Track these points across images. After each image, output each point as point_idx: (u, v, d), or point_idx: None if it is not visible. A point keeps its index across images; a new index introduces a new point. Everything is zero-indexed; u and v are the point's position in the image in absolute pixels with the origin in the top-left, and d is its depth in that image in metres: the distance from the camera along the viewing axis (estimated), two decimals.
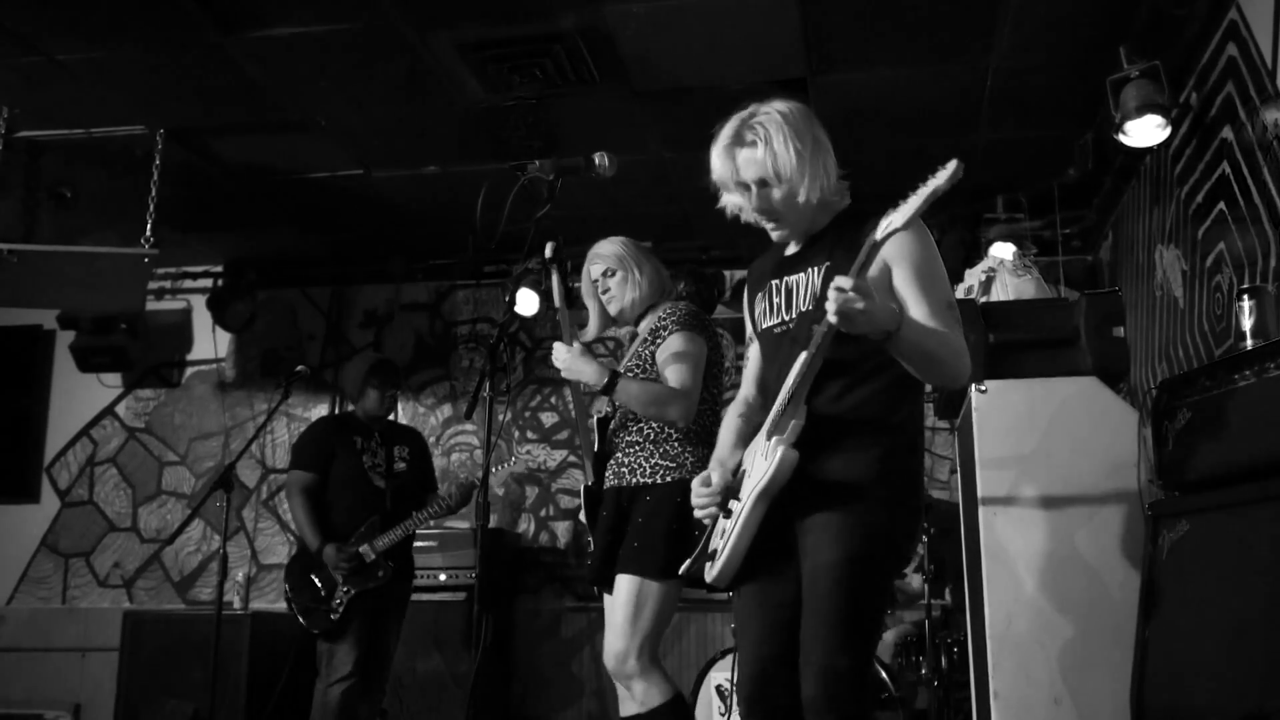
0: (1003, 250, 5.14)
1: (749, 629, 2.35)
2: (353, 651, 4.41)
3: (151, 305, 6.48)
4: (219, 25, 4.13)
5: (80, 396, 6.91)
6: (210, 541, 6.57)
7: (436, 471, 6.29)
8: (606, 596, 3.26)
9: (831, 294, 2.04)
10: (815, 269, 2.35)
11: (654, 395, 3.15)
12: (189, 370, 6.93)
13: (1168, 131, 4.03)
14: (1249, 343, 2.92)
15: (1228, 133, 3.74)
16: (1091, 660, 3.22)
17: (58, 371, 6.95)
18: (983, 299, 4.16)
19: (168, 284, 6.90)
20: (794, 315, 2.38)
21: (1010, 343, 3.56)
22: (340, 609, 4.45)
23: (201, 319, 6.82)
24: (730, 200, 2.45)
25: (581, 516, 3.40)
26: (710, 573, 2.36)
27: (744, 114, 2.38)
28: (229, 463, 4.87)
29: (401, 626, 4.69)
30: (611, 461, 3.29)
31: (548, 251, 3.19)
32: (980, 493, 3.43)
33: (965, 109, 4.80)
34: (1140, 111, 3.93)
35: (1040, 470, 3.38)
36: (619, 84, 4.57)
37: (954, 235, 5.45)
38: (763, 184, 2.33)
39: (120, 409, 6.93)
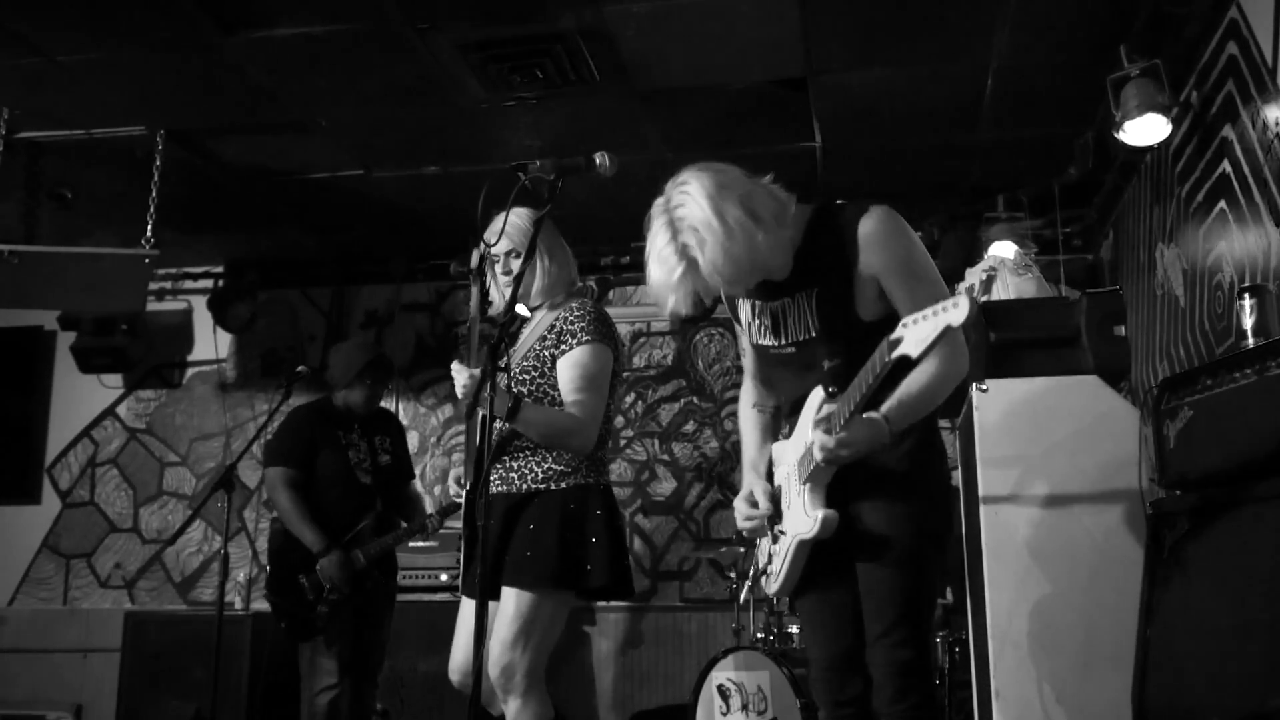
0: (1003, 249, 5.14)
1: (817, 633, 2.46)
2: (337, 658, 4.33)
3: (152, 306, 6.48)
4: (219, 26, 4.13)
5: (81, 397, 6.91)
6: (211, 542, 6.57)
7: (437, 472, 6.30)
8: (466, 602, 3.07)
9: (817, 444, 2.15)
10: (804, 295, 2.36)
11: (558, 428, 2.99)
12: (190, 371, 6.93)
13: (1168, 130, 4.03)
14: (1250, 341, 2.92)
15: (1228, 131, 3.74)
16: (1093, 659, 3.22)
17: (58, 372, 6.95)
18: (983, 298, 4.15)
19: (168, 285, 6.90)
20: (784, 342, 2.41)
21: (1011, 342, 3.56)
22: (325, 615, 4.36)
23: (202, 320, 6.82)
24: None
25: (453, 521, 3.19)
26: (769, 588, 2.48)
27: (667, 239, 2.25)
28: (230, 463, 4.85)
29: (390, 624, 4.61)
30: (499, 466, 3.09)
31: (474, 260, 2.99)
32: (981, 491, 3.43)
33: (965, 108, 4.80)
34: (1140, 110, 3.93)
35: (1041, 469, 3.38)
36: (619, 84, 4.57)
37: (954, 235, 5.44)
38: (731, 284, 2.28)
39: (121, 410, 6.93)
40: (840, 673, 2.39)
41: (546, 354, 3.09)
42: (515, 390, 3.01)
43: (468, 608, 3.08)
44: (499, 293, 3.20)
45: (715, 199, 2.21)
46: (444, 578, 5.62)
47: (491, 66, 4.42)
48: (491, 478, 3.09)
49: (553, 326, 3.11)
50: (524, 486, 3.05)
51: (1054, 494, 3.36)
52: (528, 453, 3.07)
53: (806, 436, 2.29)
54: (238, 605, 6.17)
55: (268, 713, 5.10)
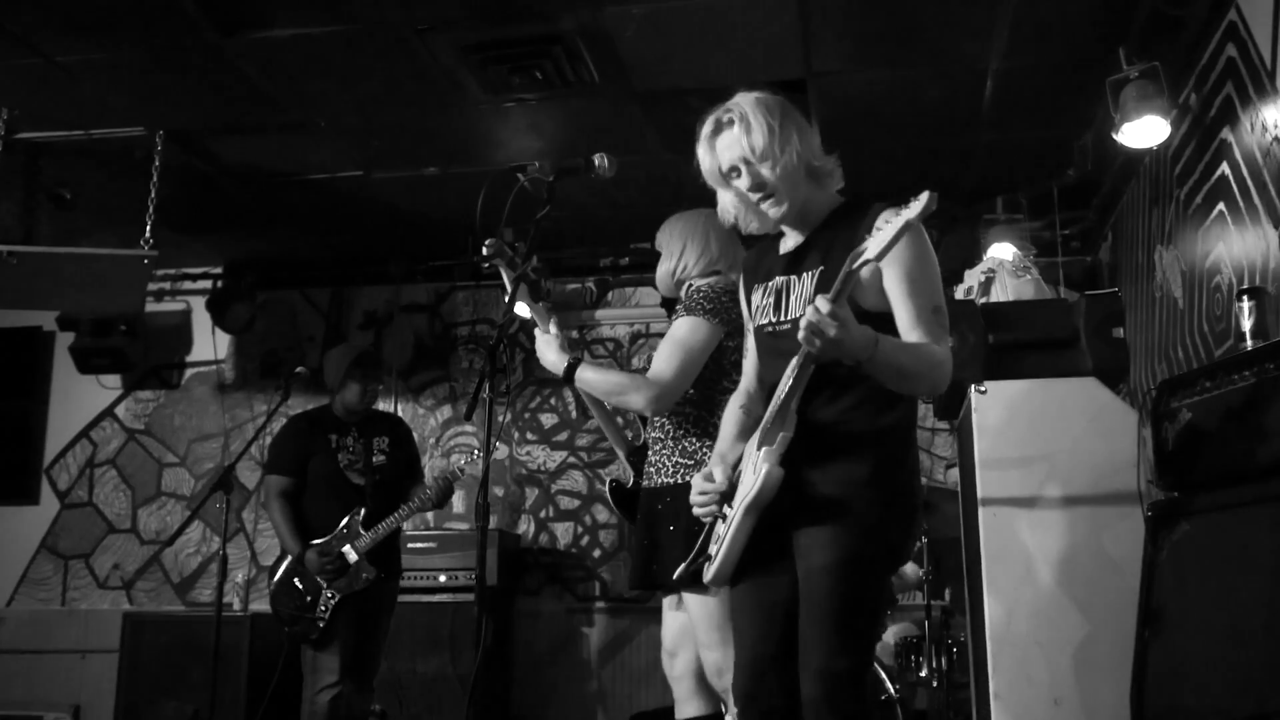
0: (1002, 251, 5.14)
1: (744, 628, 2.37)
2: (338, 658, 4.35)
3: (151, 307, 6.48)
4: (218, 27, 4.13)
5: (80, 398, 6.91)
6: (210, 543, 6.57)
7: (435, 472, 6.28)
8: (668, 600, 3.16)
9: (807, 314, 2.05)
10: (810, 274, 2.35)
11: (612, 384, 2.99)
12: (188, 372, 6.93)
13: (1167, 132, 4.03)
14: (1249, 343, 2.92)
15: (1227, 133, 3.74)
16: (1091, 661, 3.22)
17: (57, 373, 6.95)
18: (982, 300, 4.16)
19: (167, 285, 6.90)
20: (783, 318, 2.38)
21: (1010, 343, 3.56)
22: (326, 615, 4.38)
23: (201, 320, 6.82)
24: (725, 203, 2.46)
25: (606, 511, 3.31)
26: (707, 574, 2.39)
27: (717, 108, 2.40)
28: (229, 464, 4.86)
29: (389, 627, 4.63)
30: (646, 459, 3.15)
31: (485, 250, 2.91)
32: (980, 493, 3.43)
33: (965, 109, 4.80)
34: (1139, 112, 3.93)
35: (1040, 471, 3.38)
36: (618, 85, 4.57)
37: (953, 236, 5.45)
38: (748, 163, 2.35)
39: (120, 410, 6.93)
40: (761, 679, 2.29)
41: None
42: (572, 352, 3.03)
43: (669, 600, 3.14)
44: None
45: (779, 109, 2.33)
46: (442, 579, 5.62)
47: (491, 67, 4.42)
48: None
49: (675, 313, 3.12)
50: (658, 480, 3.06)
51: (1052, 496, 3.36)
52: (660, 445, 3.08)
53: (775, 404, 2.25)
54: (236, 606, 6.17)
55: (269, 714, 5.10)
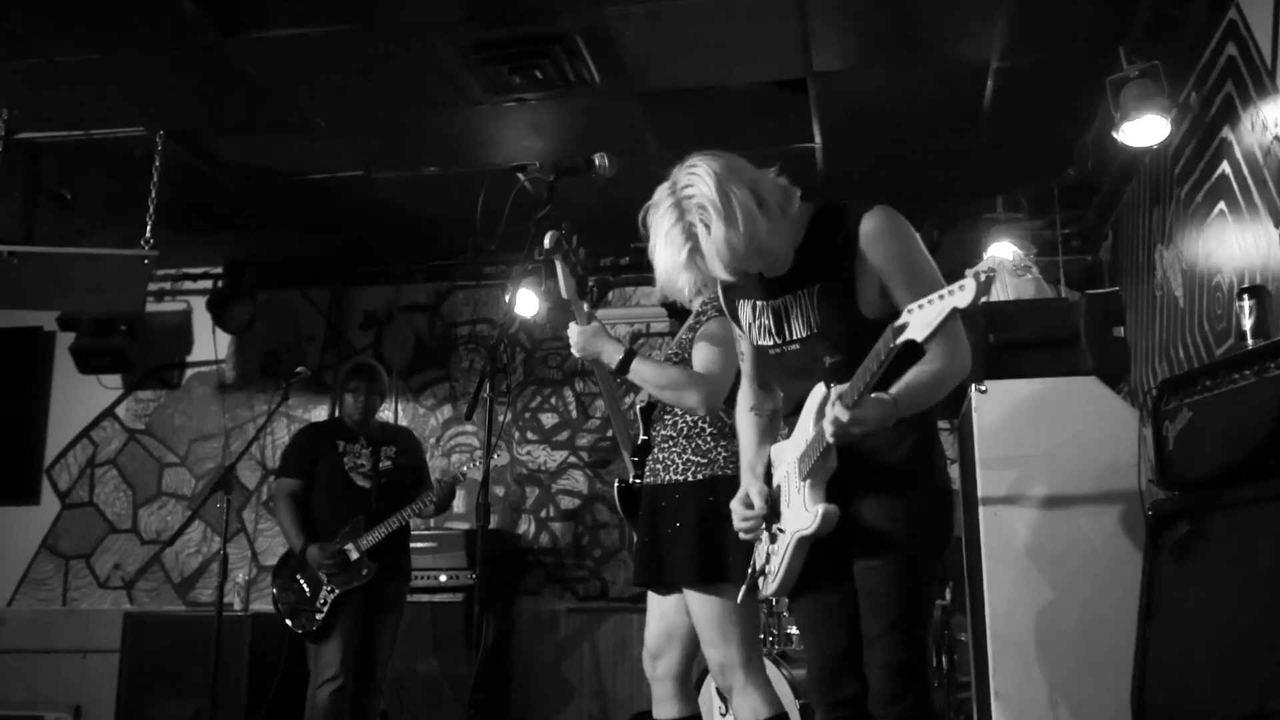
0: (1003, 250, 5.14)
1: (813, 631, 2.44)
2: (339, 652, 4.39)
3: (151, 307, 6.48)
4: (218, 27, 4.13)
5: (80, 398, 6.91)
6: (210, 543, 6.57)
7: (436, 473, 6.29)
8: (651, 595, 3.14)
9: (829, 419, 2.08)
10: (805, 292, 2.35)
11: (669, 379, 2.95)
12: (189, 372, 6.93)
13: (1167, 131, 4.03)
14: (1249, 342, 2.92)
15: (1227, 132, 3.74)
16: (1092, 660, 3.22)
17: (58, 373, 6.95)
18: (982, 299, 4.16)
19: (167, 285, 6.90)
20: (788, 339, 2.39)
21: (1010, 343, 3.57)
22: (324, 609, 4.43)
23: (201, 320, 6.82)
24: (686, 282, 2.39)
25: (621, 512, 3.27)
26: (767, 589, 2.44)
27: (674, 219, 2.26)
28: (229, 464, 4.90)
29: (398, 628, 4.66)
30: (649, 457, 3.12)
31: (547, 242, 2.89)
32: (980, 492, 3.43)
33: (965, 109, 4.80)
34: (1140, 111, 3.93)
35: (1040, 470, 3.38)
36: (618, 85, 4.57)
37: (954, 235, 5.45)
38: (737, 264, 2.26)
39: (120, 410, 6.93)
40: (835, 674, 2.37)
41: (687, 339, 3.08)
42: (627, 345, 3.02)
43: (654, 598, 3.14)
44: None
45: (723, 180, 2.23)
46: (443, 579, 5.62)
47: (491, 67, 4.42)
48: (645, 466, 3.14)
49: (698, 312, 3.10)
50: (666, 478, 3.05)
51: (1053, 495, 3.36)
52: (670, 443, 3.07)
53: (807, 433, 2.28)
54: (236, 606, 6.17)
55: (271, 713, 5.10)
